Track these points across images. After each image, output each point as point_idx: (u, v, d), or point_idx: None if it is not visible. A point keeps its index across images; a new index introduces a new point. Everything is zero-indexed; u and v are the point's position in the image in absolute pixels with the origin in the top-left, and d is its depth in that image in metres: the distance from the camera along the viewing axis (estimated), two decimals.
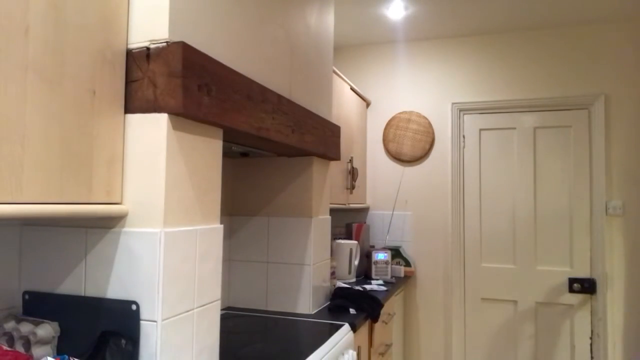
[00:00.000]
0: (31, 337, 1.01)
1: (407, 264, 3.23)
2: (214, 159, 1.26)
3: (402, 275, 3.08)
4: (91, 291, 1.07)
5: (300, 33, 1.86)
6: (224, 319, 1.92)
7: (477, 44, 3.20)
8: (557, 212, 3.00)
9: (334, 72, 2.49)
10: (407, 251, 3.29)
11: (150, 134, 1.06)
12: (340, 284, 2.59)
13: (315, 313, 2.04)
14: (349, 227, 3.17)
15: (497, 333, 3.09)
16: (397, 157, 3.32)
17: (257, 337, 1.74)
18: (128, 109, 1.08)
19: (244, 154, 1.94)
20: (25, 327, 1.02)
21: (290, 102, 1.65)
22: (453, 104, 3.23)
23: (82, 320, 1.06)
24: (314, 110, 1.94)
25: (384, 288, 2.67)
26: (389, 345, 2.65)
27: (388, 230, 3.33)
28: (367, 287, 2.67)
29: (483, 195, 3.17)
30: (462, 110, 3.23)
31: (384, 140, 3.35)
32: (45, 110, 0.88)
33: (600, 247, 2.87)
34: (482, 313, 3.14)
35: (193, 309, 1.14)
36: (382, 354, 2.47)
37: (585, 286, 2.89)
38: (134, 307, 1.03)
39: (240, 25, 1.38)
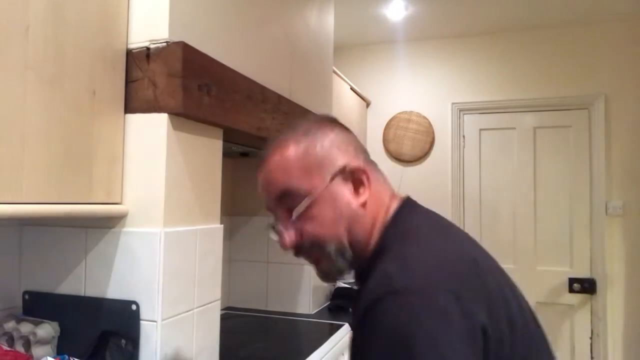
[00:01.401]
0: (31, 337, 1.01)
1: None
2: (214, 159, 1.26)
3: None
4: (91, 291, 1.07)
5: (300, 33, 1.85)
6: (224, 319, 1.91)
7: (477, 44, 3.20)
8: (557, 212, 2.99)
9: (334, 72, 2.49)
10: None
11: (150, 134, 1.06)
12: (340, 284, 2.59)
13: (315, 313, 2.04)
14: None
15: None
16: (397, 157, 3.32)
17: (257, 337, 1.75)
18: (128, 109, 1.08)
19: (244, 154, 1.94)
20: (25, 327, 1.02)
21: (290, 102, 1.65)
22: (453, 104, 3.23)
23: (82, 320, 1.06)
24: (314, 110, 1.94)
25: None
26: None
27: None
28: None
29: (483, 195, 3.17)
30: (462, 110, 3.23)
31: (384, 140, 3.35)
32: (45, 110, 0.88)
33: (600, 247, 2.87)
34: None
35: (193, 309, 1.14)
36: None
37: (585, 286, 2.88)
38: (134, 307, 1.03)
39: (240, 26, 1.38)
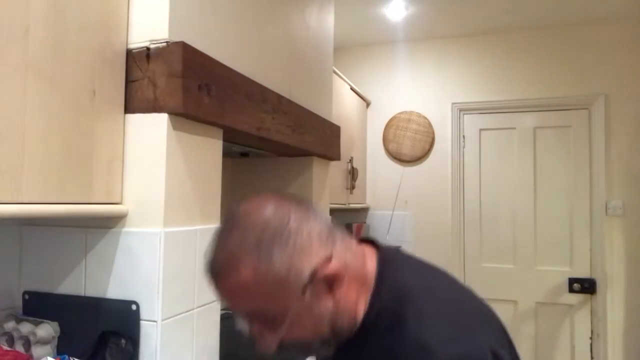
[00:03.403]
0: (31, 337, 1.01)
1: None
2: (214, 158, 1.26)
3: None
4: (91, 291, 1.07)
5: (300, 33, 1.85)
6: (224, 319, 1.91)
7: (477, 44, 3.20)
8: (557, 212, 2.99)
9: (334, 72, 2.49)
10: (407, 251, 3.28)
11: (150, 134, 1.06)
12: None
13: None
14: (349, 227, 3.17)
15: None
16: (397, 157, 3.32)
17: None
18: (128, 109, 1.08)
19: (244, 154, 1.94)
20: (25, 327, 1.02)
21: (290, 102, 1.65)
22: (453, 104, 3.23)
23: (82, 320, 1.06)
24: (314, 110, 1.94)
25: None
26: None
27: (388, 230, 3.33)
28: None
29: (483, 195, 3.17)
30: (462, 110, 3.23)
31: (384, 140, 3.35)
32: (45, 110, 0.88)
33: (600, 247, 2.87)
34: None
35: (193, 309, 1.14)
36: None
37: (585, 286, 2.88)
38: (134, 307, 1.02)
39: (240, 25, 1.38)
